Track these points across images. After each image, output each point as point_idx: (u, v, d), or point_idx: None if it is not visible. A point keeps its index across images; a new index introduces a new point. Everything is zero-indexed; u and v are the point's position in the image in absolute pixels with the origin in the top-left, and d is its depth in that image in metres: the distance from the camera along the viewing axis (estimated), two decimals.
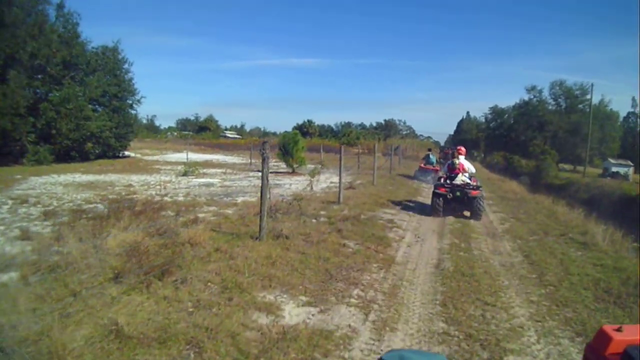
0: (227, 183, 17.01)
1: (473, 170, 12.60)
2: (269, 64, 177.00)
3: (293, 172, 22.57)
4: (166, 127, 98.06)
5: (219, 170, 23.05)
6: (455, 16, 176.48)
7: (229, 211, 10.15)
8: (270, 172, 20.90)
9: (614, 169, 48.46)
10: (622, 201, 25.59)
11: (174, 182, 16.87)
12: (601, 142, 53.97)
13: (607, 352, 1.36)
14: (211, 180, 17.75)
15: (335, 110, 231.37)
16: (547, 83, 66.41)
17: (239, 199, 12.40)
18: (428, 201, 12.62)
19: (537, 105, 61.22)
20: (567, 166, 56.05)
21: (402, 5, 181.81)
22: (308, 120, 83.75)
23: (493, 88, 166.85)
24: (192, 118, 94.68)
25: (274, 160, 23.74)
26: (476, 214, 11.22)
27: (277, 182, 16.97)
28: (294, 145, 22.64)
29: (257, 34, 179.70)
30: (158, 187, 14.66)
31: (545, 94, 60.88)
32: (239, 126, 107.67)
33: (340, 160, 13.01)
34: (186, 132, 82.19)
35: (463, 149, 13.26)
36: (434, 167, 21.61)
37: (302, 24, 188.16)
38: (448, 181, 11.83)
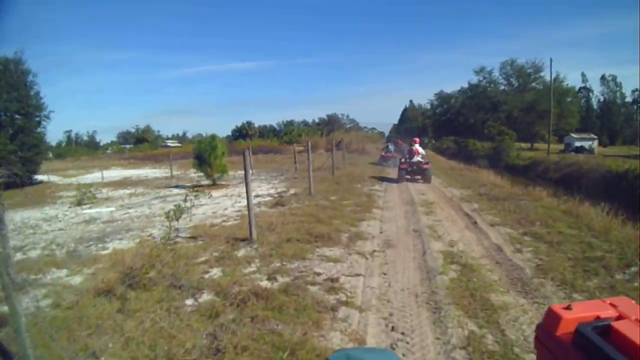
0: (119, 213, 13.12)
1: (424, 153, 18.71)
2: (209, 70, 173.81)
3: (214, 185, 18.95)
4: (108, 141, 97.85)
5: (127, 192, 19.25)
6: (393, 8, 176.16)
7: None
8: (187, 187, 18.00)
9: (578, 144, 47.21)
10: (610, 180, 22.84)
11: (60, 216, 13.29)
12: (560, 117, 52.91)
13: (558, 331, 1.40)
14: (103, 210, 13.99)
15: (278, 110, 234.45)
16: (494, 65, 65.19)
17: (112, 246, 8.48)
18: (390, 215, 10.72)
19: (488, 87, 59.87)
20: (524, 145, 54.58)
21: (338, 2, 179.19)
22: (247, 122, 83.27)
23: (437, 76, 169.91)
24: (133, 130, 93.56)
25: (193, 171, 22.32)
26: (427, 179, 17.47)
27: (194, 201, 12.54)
28: (211, 152, 18.47)
29: (194, 40, 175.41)
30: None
31: (496, 74, 59.72)
32: (181, 134, 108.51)
33: (246, 169, 8.35)
34: (124, 146, 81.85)
35: (417, 139, 19.26)
36: (392, 154, 26.05)
37: (240, 27, 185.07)
38: (408, 160, 18.02)
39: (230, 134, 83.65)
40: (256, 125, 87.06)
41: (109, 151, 78.95)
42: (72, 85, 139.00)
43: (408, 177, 17.68)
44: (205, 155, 18.52)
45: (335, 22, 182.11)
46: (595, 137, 50.25)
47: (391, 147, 28.88)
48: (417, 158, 17.93)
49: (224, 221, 10.26)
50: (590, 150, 45.87)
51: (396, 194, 14.37)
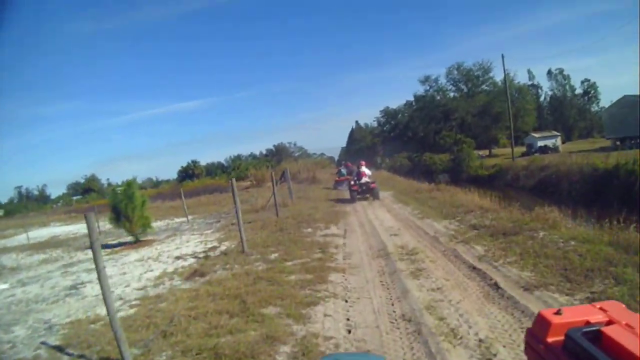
0: (6, 294, 10.34)
1: (370, 173, 20.73)
2: (154, 113, 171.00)
3: (137, 242, 15.68)
4: (60, 194, 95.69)
5: (42, 257, 16.31)
6: (329, 31, 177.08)
7: None
8: (104, 247, 14.91)
9: (541, 143, 45.81)
10: (599, 180, 20.43)
11: None
12: (516, 117, 51.58)
13: (548, 336, 1.46)
14: None
15: (226, 146, 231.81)
16: (440, 73, 64.22)
17: None
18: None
19: (436, 95, 58.58)
20: (481, 152, 53.04)
21: (272, 29, 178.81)
22: (192, 161, 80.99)
23: (381, 94, 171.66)
24: (82, 181, 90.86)
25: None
26: (375, 196, 19.24)
27: (111, 265, 11.82)
28: (128, 203, 15.00)
29: (136, 83, 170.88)
30: None
31: (443, 82, 58.41)
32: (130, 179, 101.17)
33: None
34: (73, 198, 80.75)
35: (363, 162, 21.83)
36: (345, 177, 26.58)
37: (179, 66, 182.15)
38: (358, 182, 19.90)
39: (176, 175, 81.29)
40: (204, 163, 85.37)
41: (58, 204, 78.41)
42: (19, 141, 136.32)
43: (359, 197, 19.31)
44: (121, 207, 15.30)
45: (272, 49, 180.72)
46: (558, 134, 49.19)
47: (343, 170, 30.15)
48: (364, 179, 19.74)
49: (118, 309, 6.52)
50: (555, 149, 44.59)
51: (360, 239, 10.88)
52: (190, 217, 22.29)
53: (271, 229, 13.19)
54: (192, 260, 10.78)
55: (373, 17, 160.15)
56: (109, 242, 16.74)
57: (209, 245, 12.77)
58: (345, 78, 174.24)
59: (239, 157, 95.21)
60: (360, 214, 15.38)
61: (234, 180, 13.22)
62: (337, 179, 29.05)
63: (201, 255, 11.30)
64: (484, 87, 56.09)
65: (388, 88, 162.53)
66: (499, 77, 55.04)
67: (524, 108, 51.86)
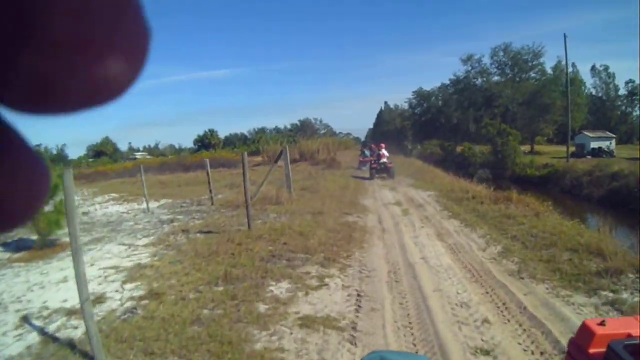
0: None
1: (388, 155, 22.23)
2: (180, 80, 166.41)
3: (43, 249, 9.84)
4: (80, 155, 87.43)
5: None
6: (367, 9, 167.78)
7: None
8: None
9: (594, 144, 38.13)
10: None
11: None
12: (566, 111, 43.64)
13: (590, 348, 1.44)
14: None
15: (251, 117, 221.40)
16: (486, 52, 55.57)
17: None
18: None
19: (478, 78, 50.80)
20: (523, 148, 45.53)
21: (306, 5, 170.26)
22: (209, 130, 73.99)
23: (414, 78, 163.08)
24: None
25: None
26: (391, 176, 20.55)
27: None
28: None
29: (164, 50, 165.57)
30: None
31: (486, 62, 50.46)
32: (152, 146, 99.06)
33: None
34: (90, 160, 72.98)
35: (383, 144, 23.29)
36: (369, 158, 26.16)
37: (210, 33, 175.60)
38: (377, 162, 21.55)
39: (192, 144, 76.40)
40: (227, 133, 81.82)
41: (79, 166, 72.14)
42: None
43: (377, 175, 20.93)
44: None
45: (307, 25, 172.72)
46: (613, 135, 41.24)
47: (367, 152, 29.69)
48: (383, 160, 21.45)
49: None
50: (610, 153, 36.94)
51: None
52: (157, 204, 16.23)
53: (211, 271, 6.83)
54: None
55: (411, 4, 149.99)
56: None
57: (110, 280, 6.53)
58: (378, 58, 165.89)
59: (262, 129, 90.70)
60: (394, 241, 8.86)
61: (244, 154, 10.35)
62: (360, 159, 29.16)
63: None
64: (531, 74, 48.15)
65: (420, 72, 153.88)
66: (548, 65, 47.26)
67: (575, 102, 43.46)
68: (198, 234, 10.04)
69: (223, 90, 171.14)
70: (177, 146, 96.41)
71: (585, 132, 40.54)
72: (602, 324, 1.47)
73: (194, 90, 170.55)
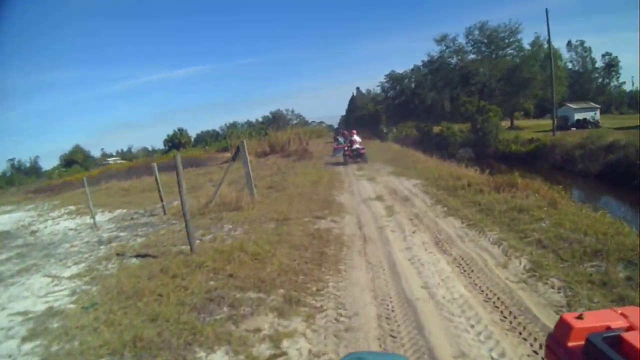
0: None
1: (360, 140, 22.33)
2: (152, 80, 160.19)
3: None
4: (53, 166, 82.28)
5: None
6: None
7: None
8: None
9: (578, 116, 36.60)
10: None
11: None
12: (546, 85, 42.21)
13: (569, 342, 1.42)
14: None
15: (222, 114, 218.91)
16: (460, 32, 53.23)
17: None
18: None
19: (452, 57, 48.84)
20: (504, 123, 44.04)
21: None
22: (179, 129, 70.78)
23: (384, 64, 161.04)
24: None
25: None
26: (364, 160, 20.57)
27: None
28: None
29: (133, 49, 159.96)
30: None
31: (461, 42, 48.55)
32: (125, 149, 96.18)
33: None
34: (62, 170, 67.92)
35: (355, 131, 23.93)
36: (342, 145, 25.20)
37: (179, 33, 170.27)
38: (350, 148, 21.69)
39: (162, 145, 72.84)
40: (198, 131, 79.34)
41: (50, 177, 68.80)
42: (13, 112, 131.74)
43: (350, 160, 20.99)
44: None
45: (275, 17, 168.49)
46: (598, 106, 39.78)
47: (340, 139, 29.08)
48: (356, 146, 21.57)
49: None
50: (595, 123, 35.54)
51: None
52: (110, 215, 14.35)
53: (124, 328, 4.62)
54: None
55: None
56: None
57: None
58: (348, 47, 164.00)
59: (234, 124, 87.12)
60: (380, 256, 6.72)
61: (178, 156, 8.44)
62: (335, 146, 28.38)
63: None
64: (509, 50, 46.53)
65: (392, 58, 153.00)
66: (529, 37, 45.74)
67: (557, 76, 41.92)
68: (133, 259, 7.81)
69: (195, 88, 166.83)
70: (150, 148, 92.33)
71: (569, 104, 39.06)
72: (579, 317, 1.42)
73: (166, 90, 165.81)
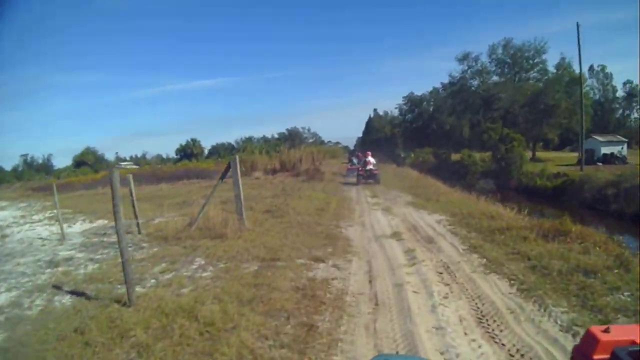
0: None
1: (374, 162, 22.52)
2: (173, 89, 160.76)
3: None
4: (67, 164, 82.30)
5: None
6: (355, 16, 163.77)
7: None
8: None
9: (604, 150, 33.88)
10: None
11: None
12: (571, 114, 39.36)
13: (594, 354, 1.40)
14: None
15: (240, 127, 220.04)
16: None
17: None
18: None
19: (474, 78, 46.33)
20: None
21: (297, 14, 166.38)
22: (192, 139, 68.94)
23: (403, 85, 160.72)
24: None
25: None
26: (377, 181, 20.64)
27: None
28: None
29: (157, 59, 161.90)
30: None
31: (484, 61, 45.94)
32: (140, 155, 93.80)
33: None
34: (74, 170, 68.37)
35: (369, 153, 23.63)
36: (356, 166, 25.22)
37: (204, 43, 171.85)
38: (364, 168, 21.78)
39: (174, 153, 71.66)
40: (215, 143, 78.49)
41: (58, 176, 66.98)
42: (31, 110, 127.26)
43: (363, 181, 21.00)
44: None
45: (298, 34, 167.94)
46: (625, 139, 37.04)
47: (355, 160, 29.02)
48: (369, 167, 21.69)
49: None
50: (622, 159, 32.86)
51: None
52: (88, 226, 13.14)
53: None
54: None
55: (401, 3, 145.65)
56: None
57: None
58: (368, 65, 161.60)
59: (250, 139, 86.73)
60: (398, 340, 4.30)
61: (114, 173, 5.70)
62: (348, 167, 28.34)
63: None
64: (532, 73, 43.96)
65: (412, 78, 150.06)
66: (554, 59, 43.19)
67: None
68: (66, 297, 5.77)
69: (214, 100, 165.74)
70: (164, 156, 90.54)
71: (595, 136, 36.22)
72: (606, 330, 1.38)
73: (186, 100, 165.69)
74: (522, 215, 10.66)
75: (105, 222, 13.16)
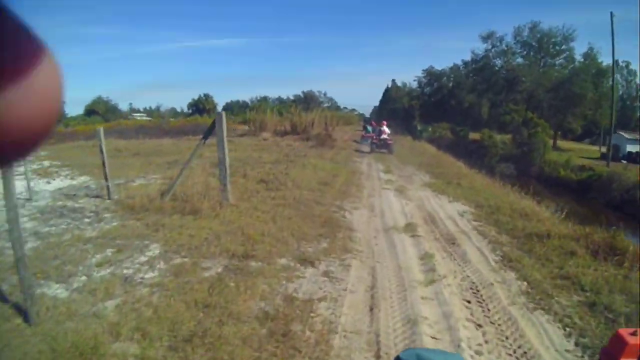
0: None
1: (389, 132, 21.56)
2: (190, 46, 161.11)
3: None
4: (77, 114, 77.15)
5: None
6: None
7: None
8: None
9: (630, 148, 31.12)
10: None
11: None
12: (596, 106, 36.49)
13: (622, 357, 1.38)
14: None
15: (257, 86, 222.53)
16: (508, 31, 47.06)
17: None
18: None
19: (498, 58, 43.30)
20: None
21: None
22: (204, 95, 66.49)
23: (422, 59, 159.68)
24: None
25: None
26: (390, 152, 19.84)
27: None
28: None
29: (173, 17, 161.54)
30: None
31: (509, 41, 42.79)
32: (154, 107, 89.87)
33: None
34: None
35: (384, 122, 22.87)
36: (370, 134, 24.28)
37: (224, 4, 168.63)
38: (378, 137, 21.14)
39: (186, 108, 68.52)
40: (229, 100, 74.90)
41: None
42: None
43: (377, 149, 20.30)
44: None
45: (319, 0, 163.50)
46: None
47: (369, 128, 27.69)
48: (384, 136, 20.91)
49: None
50: None
51: None
52: (67, 182, 11.18)
53: None
54: None
55: None
56: None
57: None
58: (388, 37, 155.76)
59: (265, 98, 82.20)
60: None
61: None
62: (363, 134, 26.93)
63: None
64: (558, 60, 40.86)
65: (431, 54, 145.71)
66: (581, 49, 40.28)
67: (607, 96, 35.56)
68: None
69: (232, 59, 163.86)
70: (178, 109, 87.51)
71: (622, 133, 33.34)
72: (634, 333, 1.36)
73: (205, 56, 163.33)
74: (559, 215, 8.71)
75: (88, 178, 11.48)
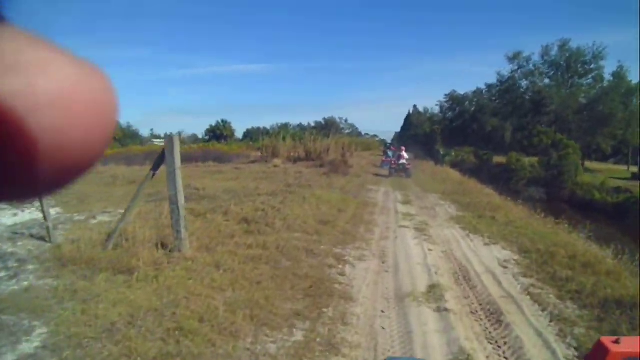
0: None
1: (407, 157, 21.48)
2: (214, 72, 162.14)
3: None
4: None
5: None
6: (397, 14, 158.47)
7: None
8: None
9: None
10: None
11: None
12: (626, 125, 33.82)
13: None
14: None
15: (278, 114, 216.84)
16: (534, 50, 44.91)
17: None
18: None
19: (524, 79, 40.98)
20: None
21: (342, 6, 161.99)
22: (222, 121, 64.40)
23: (443, 85, 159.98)
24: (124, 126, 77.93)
25: None
26: (408, 176, 19.72)
27: None
28: None
29: (198, 41, 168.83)
30: None
31: (536, 61, 40.46)
32: (175, 133, 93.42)
33: None
34: None
35: (403, 147, 23.22)
36: (390, 159, 24.20)
37: (243, 30, 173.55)
38: (396, 162, 21.11)
39: (205, 134, 67.21)
40: (250, 126, 73.65)
41: None
42: None
43: (395, 173, 20.23)
44: None
45: (340, 26, 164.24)
46: None
47: (390, 153, 27.34)
48: (402, 160, 20.92)
49: None
50: None
51: None
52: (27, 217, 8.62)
53: None
54: None
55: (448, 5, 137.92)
56: None
57: None
58: (409, 62, 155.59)
59: (285, 125, 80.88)
60: None
61: None
62: (383, 159, 27.05)
63: None
64: (587, 80, 38.27)
65: (454, 79, 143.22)
66: (611, 67, 37.99)
67: (636, 115, 33.51)
68: None
69: (255, 86, 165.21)
70: (199, 136, 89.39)
71: None
72: (617, 342, 1.34)
73: (228, 83, 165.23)
74: (626, 260, 6.27)
75: (58, 211, 9.57)
